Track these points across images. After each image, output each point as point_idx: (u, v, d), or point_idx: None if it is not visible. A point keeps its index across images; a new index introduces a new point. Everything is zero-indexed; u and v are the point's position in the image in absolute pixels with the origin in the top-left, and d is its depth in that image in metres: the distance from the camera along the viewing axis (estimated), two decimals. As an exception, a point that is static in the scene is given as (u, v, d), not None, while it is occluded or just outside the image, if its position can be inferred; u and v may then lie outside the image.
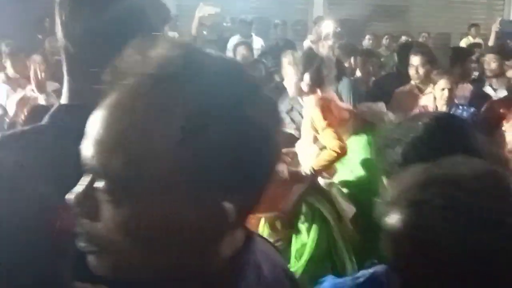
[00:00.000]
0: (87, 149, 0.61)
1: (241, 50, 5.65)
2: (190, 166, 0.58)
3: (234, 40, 6.67)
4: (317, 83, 3.02)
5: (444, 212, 0.88)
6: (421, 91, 4.19)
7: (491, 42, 5.69)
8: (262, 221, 3.02)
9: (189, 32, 5.69)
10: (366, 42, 7.42)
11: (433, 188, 0.91)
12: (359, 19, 8.87)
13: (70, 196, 0.63)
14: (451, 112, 3.98)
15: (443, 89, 3.96)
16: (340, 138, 2.91)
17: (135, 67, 0.61)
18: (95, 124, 0.61)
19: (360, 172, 3.06)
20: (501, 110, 4.00)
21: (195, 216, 0.60)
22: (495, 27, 5.56)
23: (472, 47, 6.85)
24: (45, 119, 0.96)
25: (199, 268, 0.66)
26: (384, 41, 7.73)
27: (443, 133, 1.18)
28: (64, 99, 0.99)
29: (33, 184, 0.70)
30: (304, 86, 3.03)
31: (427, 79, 4.14)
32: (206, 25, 6.32)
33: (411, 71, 4.21)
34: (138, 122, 0.59)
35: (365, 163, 3.02)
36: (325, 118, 2.91)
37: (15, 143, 0.93)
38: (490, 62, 4.33)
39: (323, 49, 5.13)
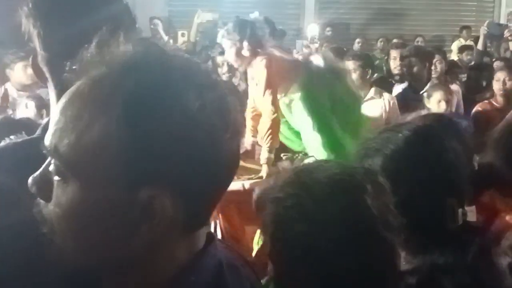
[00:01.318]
0: (48, 132, 0.66)
1: None
2: (127, 156, 0.61)
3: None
4: (257, 45, 3.10)
5: (291, 212, 0.96)
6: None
7: (479, 45, 5.72)
8: (258, 232, 3.02)
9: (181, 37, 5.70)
10: (356, 45, 7.46)
11: (288, 189, 0.99)
12: (352, 23, 8.92)
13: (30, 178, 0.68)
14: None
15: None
16: (274, 104, 3.01)
17: (98, 60, 0.66)
18: (56, 109, 0.67)
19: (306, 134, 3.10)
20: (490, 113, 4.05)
21: (133, 209, 0.62)
22: (483, 30, 5.60)
23: (463, 49, 6.92)
24: (38, 132, 0.98)
25: (151, 271, 0.67)
26: (379, 44, 7.77)
27: (422, 147, 1.18)
28: None
29: (26, 199, 0.72)
30: (246, 52, 3.09)
31: (363, 84, 4.07)
32: (200, 31, 6.33)
33: None
34: (86, 108, 0.63)
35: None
36: (268, 81, 3.00)
37: (8, 155, 0.95)
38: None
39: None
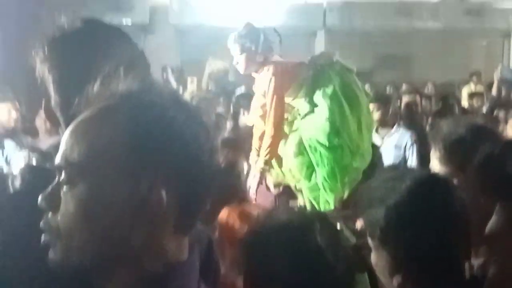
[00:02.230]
0: (58, 154, 0.77)
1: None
2: (130, 155, 0.74)
3: (239, 91, 6.72)
4: (269, 52, 3.13)
5: (256, 247, 1.20)
6: None
7: (494, 91, 5.69)
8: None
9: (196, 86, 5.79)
10: (366, 91, 7.45)
11: (255, 229, 1.26)
12: (361, 68, 8.99)
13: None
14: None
15: None
16: (279, 116, 3.03)
17: (102, 95, 0.79)
18: (66, 132, 0.78)
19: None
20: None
21: (134, 199, 0.73)
22: (496, 75, 5.58)
23: (473, 96, 6.88)
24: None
25: (142, 268, 0.76)
26: (387, 90, 7.78)
27: (426, 198, 1.17)
28: None
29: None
30: (259, 57, 3.09)
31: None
32: (212, 80, 6.41)
33: None
34: (95, 125, 0.76)
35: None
36: (276, 88, 3.02)
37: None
38: (373, 110, 4.17)
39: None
